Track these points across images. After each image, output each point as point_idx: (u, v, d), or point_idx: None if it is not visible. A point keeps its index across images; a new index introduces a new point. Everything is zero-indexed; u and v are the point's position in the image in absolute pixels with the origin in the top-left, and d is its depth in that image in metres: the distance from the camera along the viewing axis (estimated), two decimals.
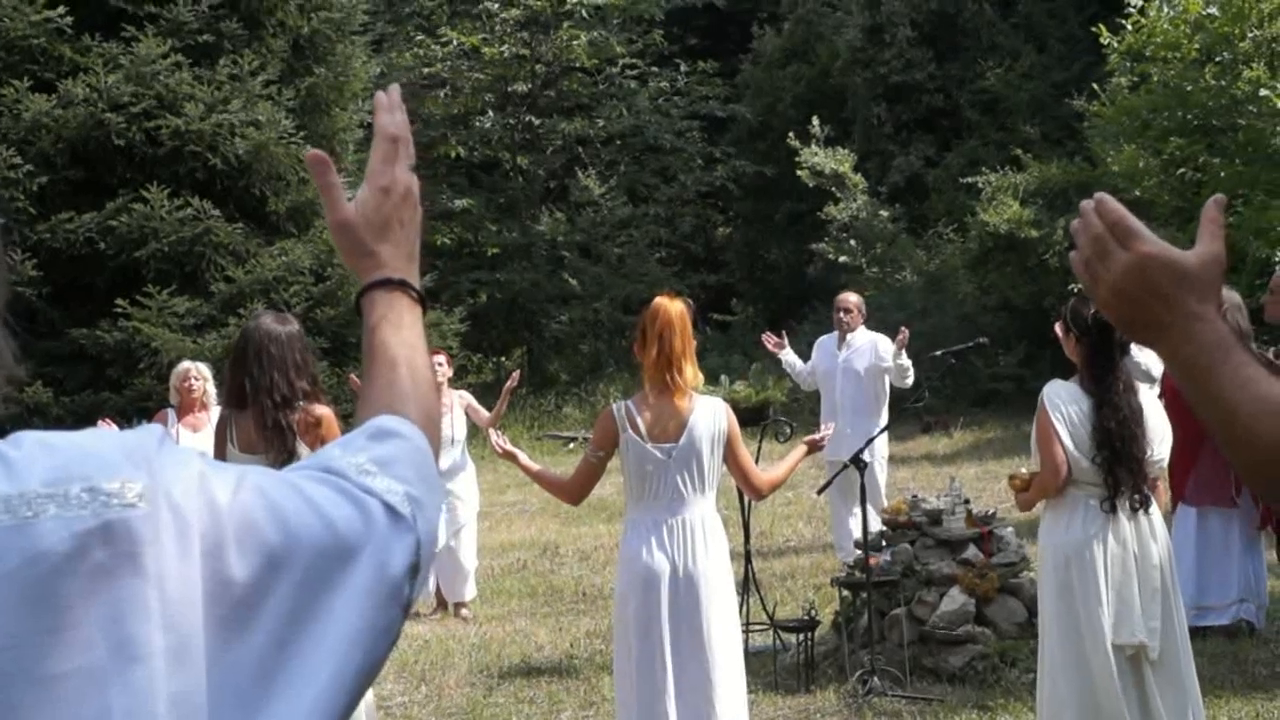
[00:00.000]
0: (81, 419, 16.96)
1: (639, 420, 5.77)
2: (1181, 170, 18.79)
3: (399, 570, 1.36)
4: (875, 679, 7.83)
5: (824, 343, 11.37)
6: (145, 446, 1.26)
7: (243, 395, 5.93)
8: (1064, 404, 5.90)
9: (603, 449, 5.87)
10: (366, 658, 1.32)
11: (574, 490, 6.04)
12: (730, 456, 5.89)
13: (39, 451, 1.22)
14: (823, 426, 6.51)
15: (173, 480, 1.25)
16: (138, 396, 17.19)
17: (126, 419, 16.10)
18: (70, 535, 1.17)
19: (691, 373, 5.84)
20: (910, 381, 10.82)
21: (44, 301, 18.39)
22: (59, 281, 18.44)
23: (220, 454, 6.00)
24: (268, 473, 1.36)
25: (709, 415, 5.82)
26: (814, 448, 6.39)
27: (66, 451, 1.22)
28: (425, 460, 1.51)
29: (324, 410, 6.14)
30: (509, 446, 6.31)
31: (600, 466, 5.92)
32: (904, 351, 10.68)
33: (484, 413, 10.86)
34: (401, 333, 1.67)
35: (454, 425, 10.84)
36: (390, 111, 1.80)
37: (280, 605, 1.27)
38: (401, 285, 1.72)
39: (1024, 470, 6.37)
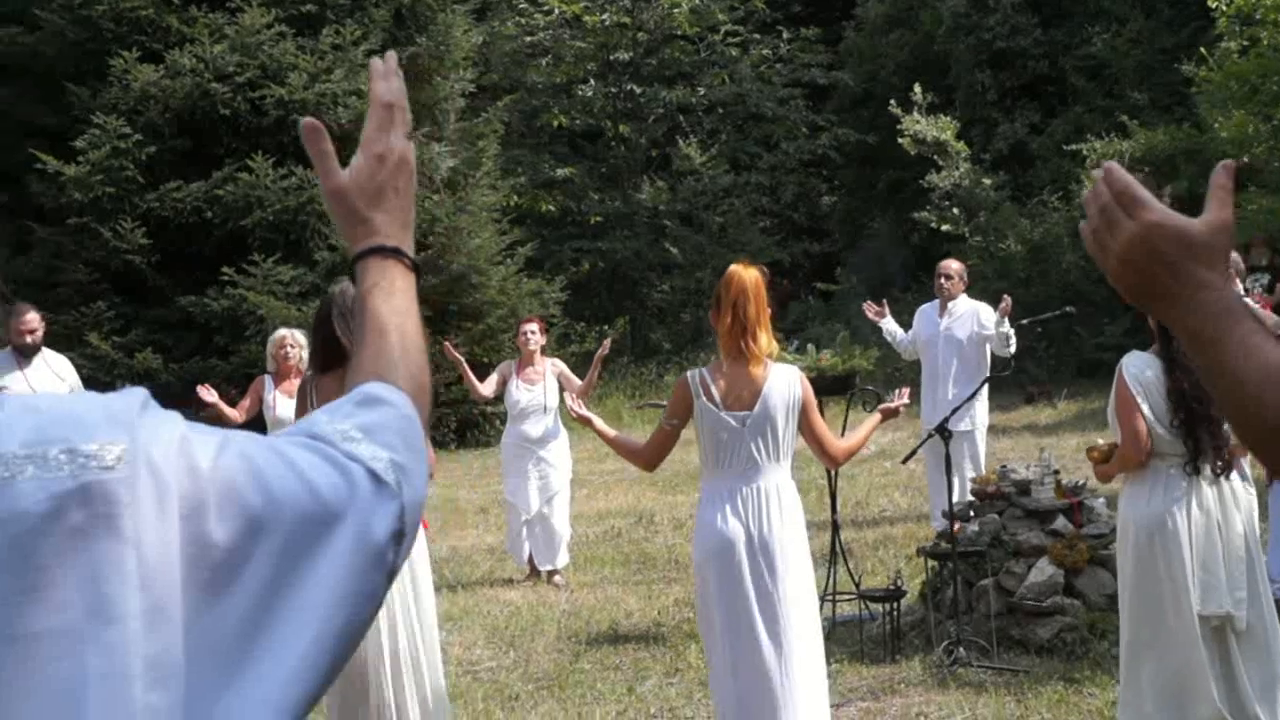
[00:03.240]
0: (189, 385, 17.24)
1: (713, 388, 5.78)
2: None
3: (382, 536, 1.37)
4: (961, 649, 7.79)
5: (925, 310, 11.29)
6: (128, 409, 1.28)
7: (326, 359, 6.01)
8: (1142, 373, 5.83)
9: (677, 417, 5.89)
10: (348, 623, 1.32)
11: (649, 456, 6.07)
12: (805, 425, 5.88)
13: (21, 413, 1.24)
14: (897, 394, 6.47)
15: (153, 442, 1.26)
16: (244, 363, 17.51)
17: (232, 384, 16.40)
18: (48, 496, 1.19)
19: (766, 340, 5.83)
20: (1012, 349, 10.69)
21: (152, 269, 18.77)
22: (167, 250, 18.82)
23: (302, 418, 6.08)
24: (252, 437, 1.37)
25: (784, 383, 5.81)
26: (888, 415, 6.37)
27: (48, 414, 1.24)
28: (412, 427, 1.51)
29: None
30: (584, 411, 6.34)
31: (675, 434, 5.95)
32: (1006, 319, 10.57)
33: (576, 381, 10.90)
34: (393, 300, 1.68)
35: (546, 393, 10.90)
36: (385, 79, 1.80)
37: (261, 569, 1.27)
38: (395, 253, 1.73)
39: (1101, 442, 6.30)
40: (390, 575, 1.39)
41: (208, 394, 10.04)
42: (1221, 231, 1.64)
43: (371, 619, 1.38)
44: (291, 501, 1.31)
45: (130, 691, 1.18)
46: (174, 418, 1.32)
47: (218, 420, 9.96)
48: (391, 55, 1.84)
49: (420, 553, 6.49)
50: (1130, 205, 1.66)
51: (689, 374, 5.93)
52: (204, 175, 18.76)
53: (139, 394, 1.32)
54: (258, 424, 9.50)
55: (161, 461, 1.25)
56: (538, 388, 10.92)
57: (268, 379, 9.94)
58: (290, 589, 1.28)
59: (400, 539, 1.40)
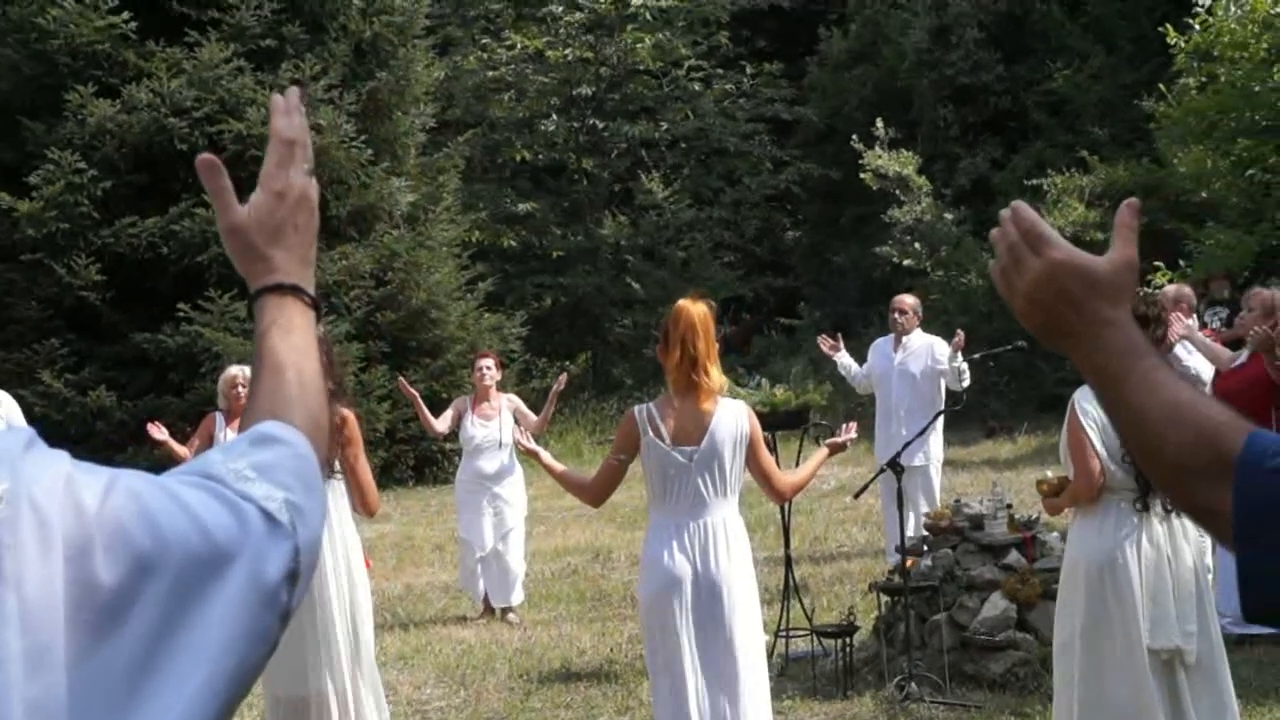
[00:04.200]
0: (143, 423, 17.09)
1: (661, 424, 5.74)
2: (1250, 171, 18.51)
3: (275, 577, 1.34)
4: (913, 685, 7.74)
5: (880, 345, 11.28)
6: (10, 448, 1.25)
7: None
8: (1095, 409, 5.79)
9: (624, 452, 5.85)
10: (240, 665, 1.29)
11: (596, 492, 6.03)
12: (752, 460, 5.84)
13: None
14: (844, 429, 6.42)
15: (36, 482, 1.22)
16: (199, 400, 17.33)
17: (188, 422, 16.25)
18: None
19: (717, 374, 5.79)
20: (965, 384, 10.69)
21: (107, 306, 18.63)
22: (122, 286, 18.67)
23: None
24: (143, 476, 1.33)
25: (731, 419, 5.77)
26: (835, 449, 6.33)
27: None
28: (308, 467, 1.48)
29: (347, 411, 6.13)
30: (531, 445, 6.32)
31: (622, 469, 5.90)
32: (960, 354, 10.56)
33: (532, 417, 10.84)
34: (291, 338, 1.66)
35: (502, 429, 10.82)
36: (287, 114, 1.78)
37: (150, 611, 1.24)
38: (294, 290, 1.70)
39: (1051, 475, 6.27)
40: (284, 616, 1.36)
41: (158, 432, 9.95)
42: (1125, 269, 1.65)
43: (264, 661, 1.34)
44: (181, 542, 1.28)
45: None
46: (60, 457, 1.28)
47: (169, 458, 9.85)
48: (293, 91, 1.82)
49: (363, 591, 6.40)
50: (1037, 243, 1.67)
51: (636, 409, 5.89)
52: (160, 211, 18.63)
53: (24, 433, 1.28)
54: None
55: (45, 501, 1.22)
56: (493, 423, 10.84)
57: (219, 416, 9.84)
58: (180, 631, 1.25)
59: (295, 579, 1.37)
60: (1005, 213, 1.72)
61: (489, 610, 10.98)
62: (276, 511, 1.37)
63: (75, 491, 1.25)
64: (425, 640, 10.27)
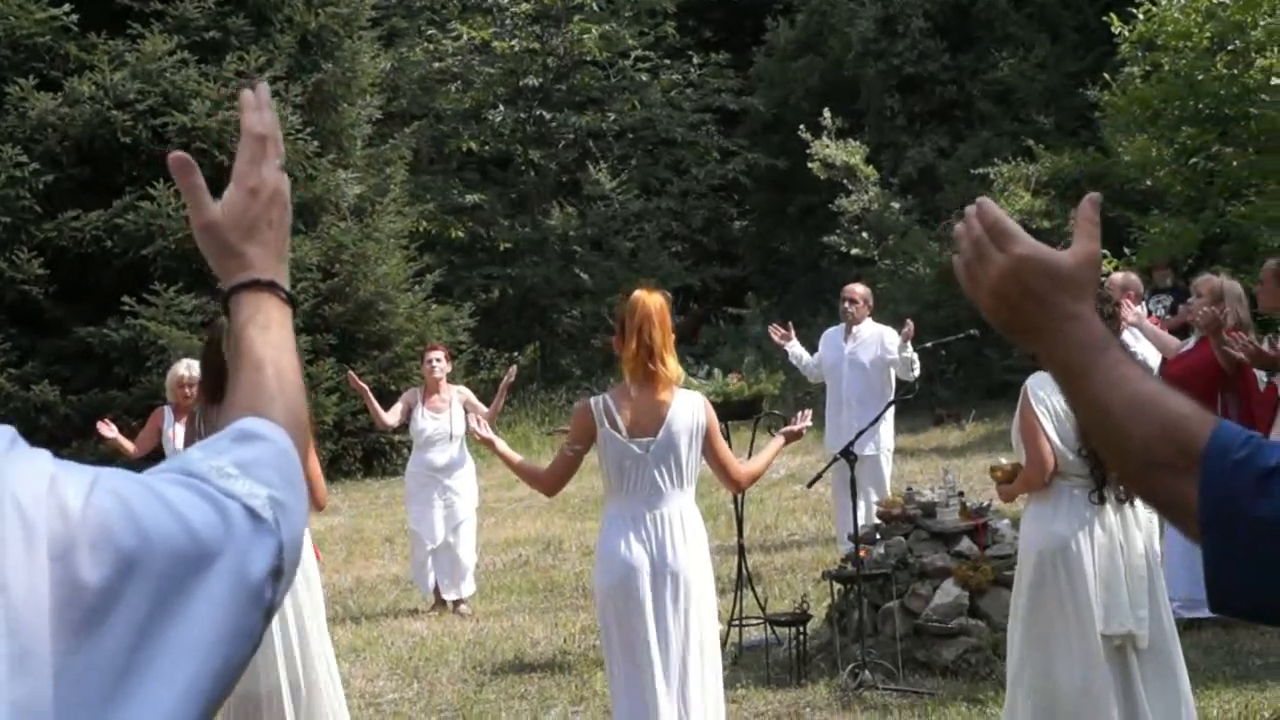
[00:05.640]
0: (88, 417, 16.94)
1: (617, 415, 5.73)
2: (1194, 160, 18.63)
3: (259, 574, 1.34)
4: (866, 672, 7.77)
5: (830, 335, 11.29)
6: None
7: (216, 389, 5.89)
8: (1048, 395, 5.83)
9: (580, 443, 5.85)
10: (226, 662, 1.30)
11: (551, 482, 6.03)
12: (709, 450, 5.86)
13: None
14: (799, 417, 6.43)
15: (19, 483, 1.22)
16: (145, 394, 17.20)
17: (133, 416, 16.11)
18: None
19: (673, 365, 5.79)
20: (916, 374, 10.72)
21: (50, 300, 18.43)
22: (65, 280, 18.48)
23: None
24: (125, 475, 1.33)
25: (687, 410, 5.78)
26: (791, 438, 6.34)
27: None
28: (290, 463, 1.49)
29: None
30: (487, 434, 6.30)
31: (577, 460, 5.91)
32: (909, 344, 10.59)
33: (483, 409, 10.81)
34: (268, 334, 1.66)
35: (453, 421, 10.80)
36: (257, 110, 1.77)
37: (135, 610, 1.23)
38: (270, 286, 1.71)
39: (1005, 461, 6.31)
40: (268, 613, 1.37)
41: (107, 429, 9.86)
42: (1088, 264, 1.67)
43: (249, 658, 1.35)
44: (165, 540, 1.28)
45: None
46: (42, 456, 1.27)
47: (116, 454, 9.78)
48: (263, 87, 1.81)
49: (315, 584, 6.37)
50: (1001, 239, 1.68)
51: (592, 400, 5.88)
52: (104, 204, 18.44)
53: (5, 432, 1.27)
54: (157, 456, 9.33)
55: (29, 502, 1.21)
56: (443, 416, 10.81)
57: (168, 411, 9.79)
58: (165, 629, 1.25)
59: (279, 576, 1.38)
60: (970, 208, 1.73)
61: (440, 602, 10.95)
62: (260, 508, 1.37)
63: (59, 491, 1.24)
64: (377, 633, 10.23)
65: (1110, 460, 1.65)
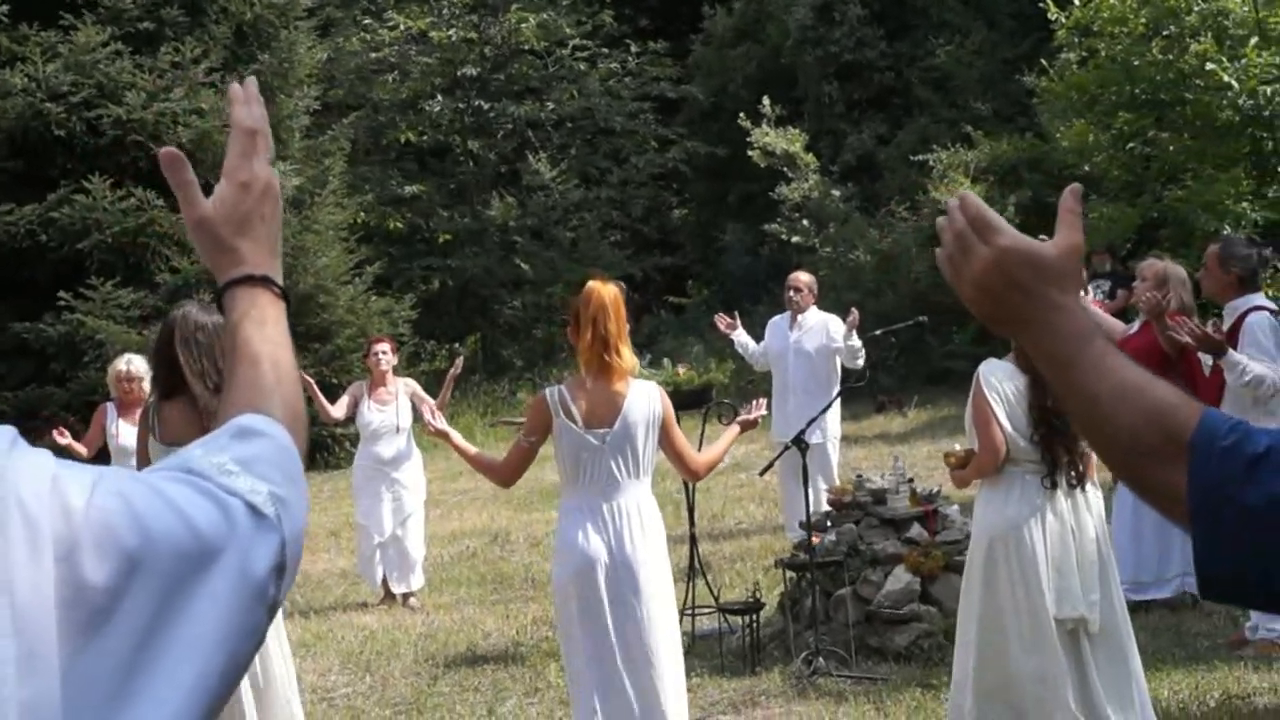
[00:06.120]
0: (25, 414, 16.79)
1: (573, 406, 5.71)
2: (1131, 145, 18.83)
3: (263, 571, 1.34)
4: (820, 660, 7.80)
5: (776, 323, 11.29)
6: None
7: (170, 384, 5.82)
8: (1000, 383, 5.87)
9: (535, 434, 5.82)
10: (230, 659, 1.30)
11: (507, 473, 6.01)
12: (665, 440, 5.85)
13: None
14: (754, 405, 6.45)
15: (23, 483, 1.21)
16: (83, 390, 17.01)
17: (71, 412, 15.94)
18: None
19: (628, 355, 5.78)
20: (861, 363, 10.76)
21: None
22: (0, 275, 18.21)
23: (142, 446, 5.90)
24: (126, 474, 1.33)
25: (643, 399, 5.77)
26: (746, 427, 6.36)
27: None
28: (290, 459, 1.49)
29: None
30: (442, 425, 6.26)
31: (533, 451, 5.88)
32: (854, 332, 10.62)
33: (429, 400, 10.74)
34: (265, 329, 1.67)
35: (399, 414, 10.77)
36: (247, 104, 1.78)
37: (139, 609, 1.23)
38: (264, 281, 1.71)
39: (958, 447, 6.35)
40: (272, 610, 1.37)
41: (61, 437, 9.71)
42: (1072, 255, 1.69)
43: (253, 655, 1.35)
44: (169, 539, 1.27)
45: None
46: (44, 456, 1.26)
47: (60, 452, 9.65)
48: (251, 81, 1.82)
49: None
50: (984, 231, 1.69)
51: (547, 391, 5.86)
52: (38, 198, 18.20)
53: (6, 433, 1.26)
54: (102, 454, 9.24)
55: (33, 502, 1.21)
56: (390, 408, 10.77)
57: (110, 407, 9.67)
58: (170, 627, 1.25)
59: (282, 572, 1.38)
60: (952, 201, 1.74)
61: (389, 596, 10.91)
62: (262, 505, 1.37)
63: (62, 491, 1.23)
64: (327, 627, 10.18)
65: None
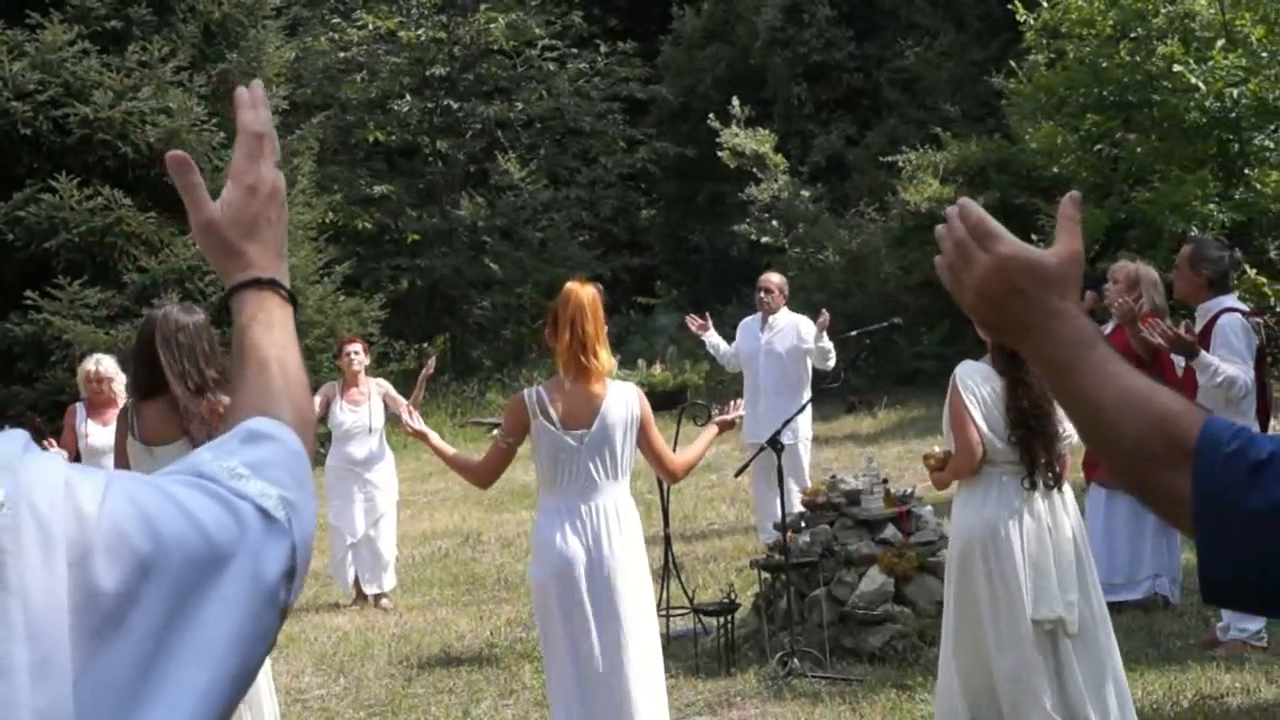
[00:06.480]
0: None
1: (550, 408, 5.71)
2: (1098, 146, 18.93)
3: (274, 575, 1.34)
4: (795, 660, 7.81)
5: (747, 324, 11.29)
6: (8, 454, 1.23)
7: (149, 385, 5.79)
8: (977, 385, 5.89)
9: (513, 436, 5.82)
10: (242, 663, 1.30)
11: (485, 474, 5.99)
12: (644, 441, 5.86)
13: None
14: (732, 406, 6.46)
15: (36, 488, 1.21)
16: (50, 390, 16.88)
17: (39, 412, 15.84)
18: None
19: (606, 356, 5.78)
20: (832, 364, 10.76)
21: None
22: None
23: (121, 447, 5.87)
24: (137, 478, 1.33)
25: (621, 401, 5.77)
26: (725, 427, 6.37)
27: None
28: (299, 462, 1.49)
29: (227, 398, 6.00)
30: (421, 426, 6.25)
31: (511, 452, 5.88)
32: (825, 334, 10.63)
33: (402, 401, 10.71)
34: (272, 332, 1.67)
35: (372, 414, 10.74)
36: (253, 108, 1.77)
37: (152, 614, 1.23)
38: (271, 284, 1.72)
39: (937, 449, 6.36)
40: (283, 613, 1.37)
41: (51, 448, 9.59)
42: (1072, 262, 1.69)
43: (264, 658, 1.36)
44: (180, 543, 1.27)
45: None
46: (56, 461, 1.26)
47: None
48: (257, 84, 1.81)
49: None
50: (984, 239, 1.69)
51: (526, 393, 5.85)
52: (4, 197, 18.04)
53: (19, 436, 1.26)
54: (73, 455, 9.15)
55: (46, 507, 1.20)
56: (362, 409, 10.74)
57: (79, 407, 9.58)
58: (182, 632, 1.25)
59: (292, 576, 1.38)
60: (952, 209, 1.74)
61: (361, 596, 10.89)
62: (273, 509, 1.37)
63: (74, 496, 1.23)
64: (299, 628, 10.14)
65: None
